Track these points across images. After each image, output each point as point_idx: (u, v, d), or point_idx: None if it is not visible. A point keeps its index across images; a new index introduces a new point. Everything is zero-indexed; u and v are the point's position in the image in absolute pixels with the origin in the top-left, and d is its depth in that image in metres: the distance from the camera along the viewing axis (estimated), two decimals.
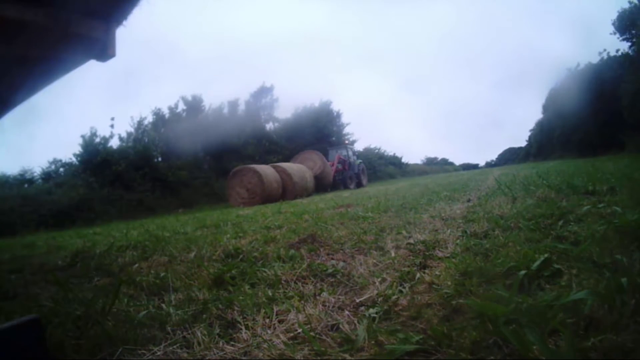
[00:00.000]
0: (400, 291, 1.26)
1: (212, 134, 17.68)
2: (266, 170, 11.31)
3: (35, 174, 14.55)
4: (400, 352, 0.86)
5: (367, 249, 1.97)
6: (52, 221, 11.47)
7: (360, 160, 18.32)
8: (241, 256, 2.05)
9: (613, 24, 23.09)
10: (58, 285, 1.73)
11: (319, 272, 1.60)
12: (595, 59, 26.98)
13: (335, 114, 25.88)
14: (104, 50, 2.85)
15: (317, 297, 1.31)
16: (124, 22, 2.86)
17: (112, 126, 16.68)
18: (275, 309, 1.21)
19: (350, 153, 17.62)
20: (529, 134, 46.08)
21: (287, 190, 11.59)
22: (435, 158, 54.01)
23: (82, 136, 15.61)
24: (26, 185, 13.90)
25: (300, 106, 24.84)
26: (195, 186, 16.95)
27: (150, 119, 19.40)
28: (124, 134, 17.69)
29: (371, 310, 1.12)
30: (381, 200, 5.01)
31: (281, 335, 1.03)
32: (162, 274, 1.83)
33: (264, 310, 1.21)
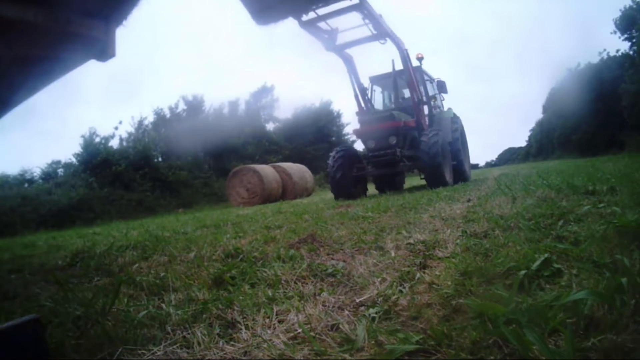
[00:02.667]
0: (400, 291, 1.26)
1: (213, 134, 17.69)
2: (266, 170, 11.32)
3: (35, 174, 14.57)
4: (400, 352, 0.86)
5: (367, 248, 1.97)
6: (52, 221, 11.48)
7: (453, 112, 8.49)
8: (241, 256, 2.05)
9: (615, 22, 23.06)
10: (58, 285, 1.73)
11: (319, 272, 1.60)
12: (595, 59, 27.04)
13: (335, 114, 25.91)
14: (104, 50, 2.85)
15: (317, 297, 1.31)
16: (124, 22, 2.87)
17: (116, 128, 16.78)
18: (275, 309, 1.21)
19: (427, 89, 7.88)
20: (529, 134, 46.21)
21: (287, 190, 11.60)
22: None
23: (82, 136, 15.66)
24: (26, 185, 13.91)
25: (300, 106, 24.89)
26: (195, 186, 16.97)
27: (150, 118, 19.49)
28: (124, 134, 17.77)
29: (371, 310, 1.12)
30: (381, 200, 5.02)
31: (281, 335, 1.03)
32: (162, 274, 1.82)
33: (264, 310, 1.21)
